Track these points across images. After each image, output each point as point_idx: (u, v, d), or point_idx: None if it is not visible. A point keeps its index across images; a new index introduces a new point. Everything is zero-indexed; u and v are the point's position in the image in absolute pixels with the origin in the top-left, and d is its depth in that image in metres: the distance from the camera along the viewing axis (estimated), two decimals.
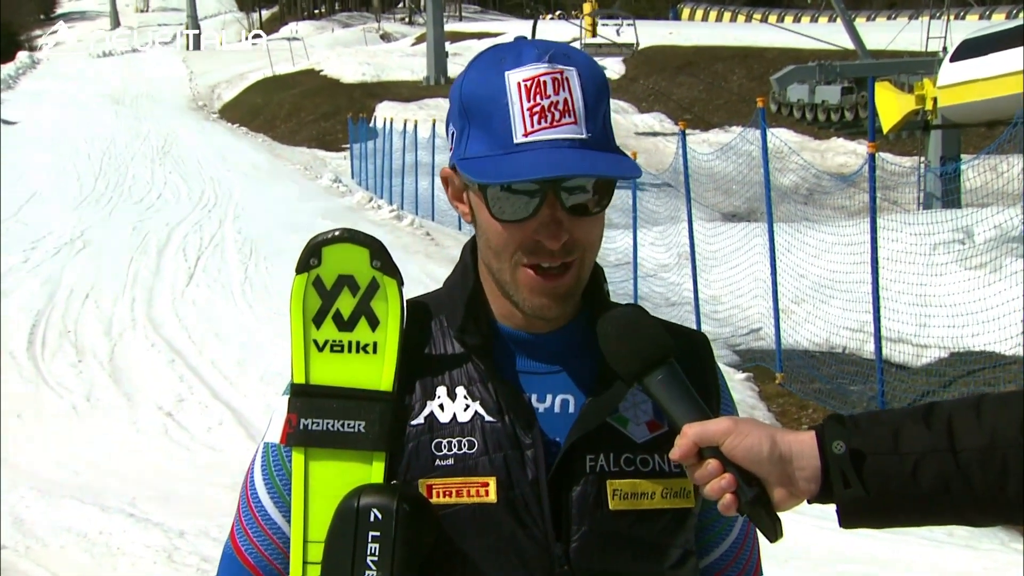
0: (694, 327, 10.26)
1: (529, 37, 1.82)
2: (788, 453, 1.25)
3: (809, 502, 1.27)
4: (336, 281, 1.41)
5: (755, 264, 11.07)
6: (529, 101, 1.31)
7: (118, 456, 7.38)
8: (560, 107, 1.31)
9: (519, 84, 1.31)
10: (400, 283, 1.42)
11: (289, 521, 1.44)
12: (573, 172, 1.30)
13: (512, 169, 1.30)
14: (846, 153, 24.91)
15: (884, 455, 1.23)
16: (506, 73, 1.32)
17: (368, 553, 1.31)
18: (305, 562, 1.40)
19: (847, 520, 1.26)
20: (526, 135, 1.30)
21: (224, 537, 1.54)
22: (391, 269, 1.42)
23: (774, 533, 1.25)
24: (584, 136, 1.31)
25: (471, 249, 1.48)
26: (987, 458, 1.20)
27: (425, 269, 12.87)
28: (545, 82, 1.31)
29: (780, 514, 1.27)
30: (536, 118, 1.30)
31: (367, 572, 1.31)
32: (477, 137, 1.34)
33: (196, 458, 7.34)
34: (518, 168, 1.30)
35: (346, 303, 1.41)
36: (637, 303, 1.39)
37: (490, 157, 1.32)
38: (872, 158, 8.55)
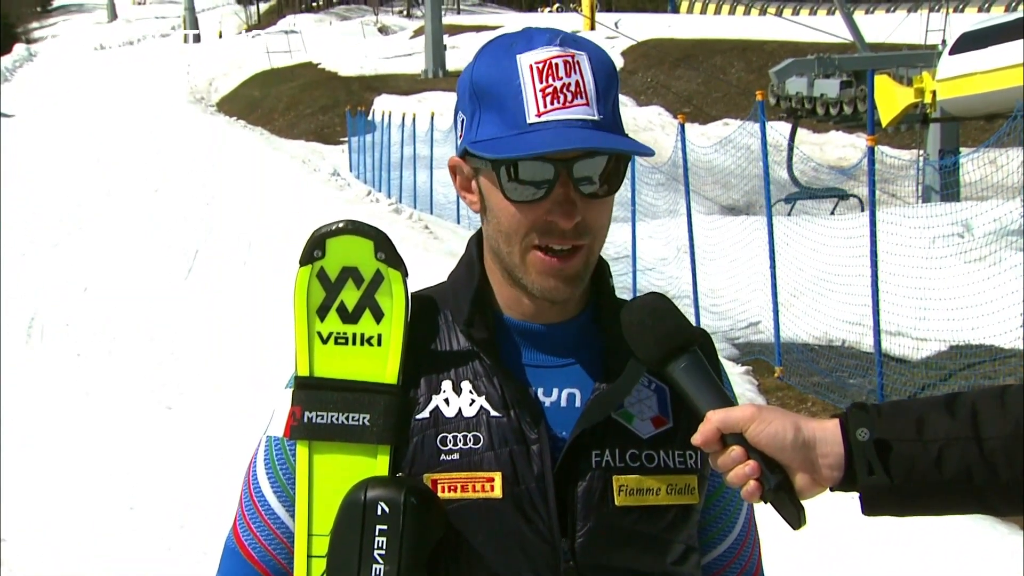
0: (693, 321, 10.26)
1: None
2: (812, 440, 1.25)
3: (832, 489, 1.27)
4: (340, 273, 1.41)
5: (754, 257, 11.05)
6: (542, 82, 1.31)
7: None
8: (572, 89, 1.31)
9: (531, 66, 1.32)
10: (405, 275, 1.41)
11: (292, 515, 1.43)
12: (590, 146, 1.30)
13: (527, 146, 1.29)
14: (844, 146, 24.89)
15: (908, 442, 1.23)
16: (517, 56, 1.33)
17: (375, 546, 1.30)
18: (310, 555, 1.39)
19: (870, 507, 1.25)
20: (539, 115, 1.30)
21: (226, 530, 1.53)
22: (396, 261, 1.41)
23: (797, 520, 1.25)
24: (596, 118, 1.31)
25: (477, 243, 1.47)
26: (1012, 447, 1.21)
27: (423, 262, 12.85)
28: (557, 64, 1.31)
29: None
30: (549, 99, 1.31)
31: (374, 566, 1.31)
32: (489, 120, 1.33)
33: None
34: (533, 144, 1.29)
35: (350, 295, 1.40)
36: (658, 293, 1.38)
37: (504, 138, 1.31)
38: (871, 151, 8.53)
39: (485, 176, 1.37)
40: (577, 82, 1.31)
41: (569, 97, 1.31)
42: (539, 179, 1.32)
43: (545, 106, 1.30)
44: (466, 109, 1.37)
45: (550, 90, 1.31)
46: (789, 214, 15.08)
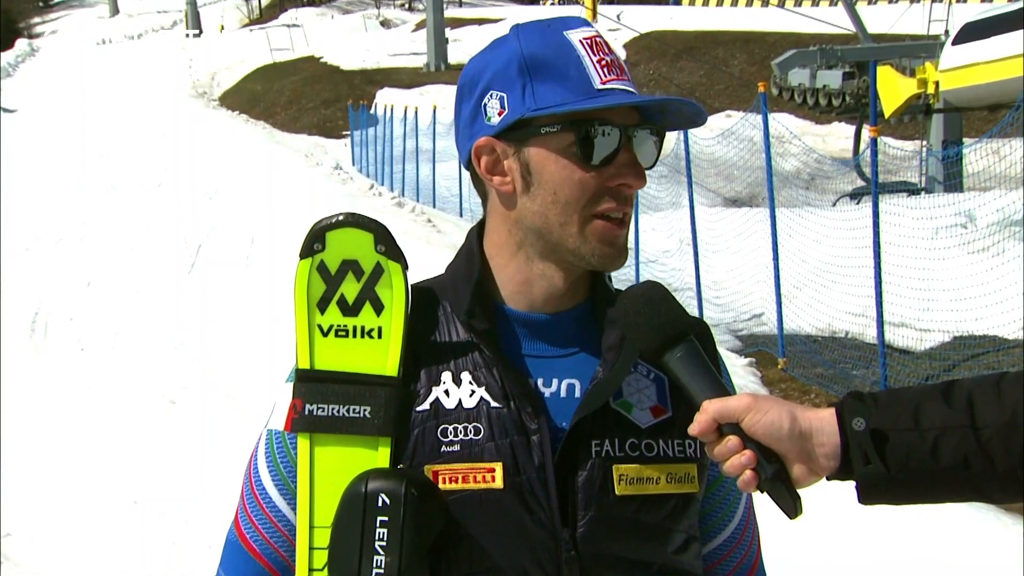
0: (696, 313, 10.23)
1: None
2: (808, 429, 1.25)
3: (828, 479, 1.27)
4: (340, 266, 1.41)
5: (757, 249, 11.05)
6: (596, 55, 1.38)
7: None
8: (618, 64, 1.39)
9: (581, 41, 1.38)
10: (405, 267, 1.42)
11: (293, 508, 1.44)
12: (670, 100, 1.38)
13: (611, 102, 1.36)
14: (847, 138, 24.83)
15: (904, 431, 1.23)
16: (564, 32, 1.39)
17: (376, 538, 1.31)
18: (311, 548, 1.40)
19: (866, 497, 1.26)
20: (604, 82, 1.37)
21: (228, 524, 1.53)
22: (396, 254, 1.41)
23: (794, 510, 1.25)
24: (639, 93, 1.39)
25: (477, 233, 1.48)
26: (1008, 435, 1.21)
27: (426, 255, 12.85)
28: (600, 42, 1.39)
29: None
30: (606, 70, 1.38)
31: (375, 557, 1.31)
32: (549, 89, 1.37)
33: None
34: (617, 100, 1.36)
35: (350, 288, 1.41)
36: (654, 282, 1.39)
37: (576, 101, 1.36)
38: (874, 142, 8.53)
39: (538, 146, 1.38)
40: (618, 60, 1.40)
41: (619, 71, 1.38)
42: (607, 143, 1.36)
43: (607, 75, 1.37)
44: (507, 86, 1.39)
45: (604, 62, 1.38)
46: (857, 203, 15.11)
